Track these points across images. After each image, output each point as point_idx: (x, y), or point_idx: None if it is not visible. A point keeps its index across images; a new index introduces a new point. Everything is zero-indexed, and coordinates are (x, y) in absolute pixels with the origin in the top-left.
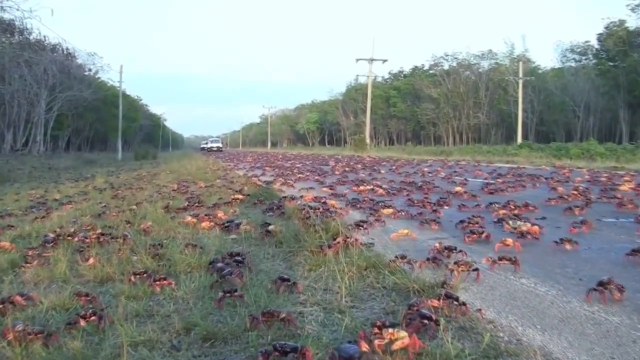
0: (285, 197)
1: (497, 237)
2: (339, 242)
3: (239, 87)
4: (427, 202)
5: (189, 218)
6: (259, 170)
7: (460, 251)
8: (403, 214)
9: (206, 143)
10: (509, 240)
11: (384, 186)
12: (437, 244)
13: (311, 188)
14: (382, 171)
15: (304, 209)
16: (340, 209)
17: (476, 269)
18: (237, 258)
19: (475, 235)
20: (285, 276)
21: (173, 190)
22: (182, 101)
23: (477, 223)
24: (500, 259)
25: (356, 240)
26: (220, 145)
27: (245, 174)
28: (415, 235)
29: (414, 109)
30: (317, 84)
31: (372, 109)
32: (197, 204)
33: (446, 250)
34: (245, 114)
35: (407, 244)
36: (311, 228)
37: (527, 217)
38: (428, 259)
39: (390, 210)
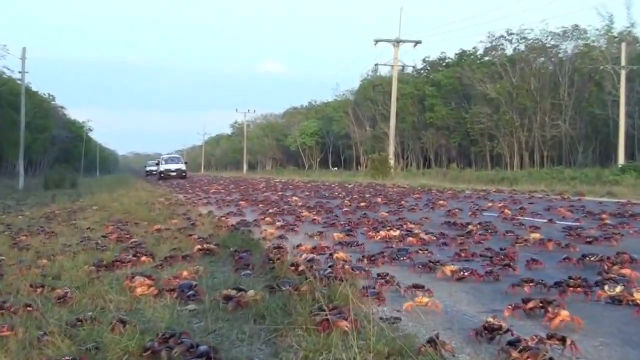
0: (271, 247)
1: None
2: (348, 316)
3: (200, 83)
4: (486, 254)
5: (128, 280)
6: (230, 207)
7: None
8: (464, 273)
9: (156, 164)
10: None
11: (417, 231)
12: (490, 319)
13: (312, 235)
14: (414, 207)
15: (297, 265)
16: (355, 268)
17: None
18: (185, 340)
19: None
20: None
21: (104, 236)
22: (116, 104)
23: (578, 286)
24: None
25: (373, 311)
26: (182, 167)
27: (210, 213)
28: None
29: (462, 114)
30: (317, 77)
31: (398, 113)
32: (140, 257)
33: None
34: (210, 122)
35: (443, 318)
36: (308, 294)
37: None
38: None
39: (450, 269)
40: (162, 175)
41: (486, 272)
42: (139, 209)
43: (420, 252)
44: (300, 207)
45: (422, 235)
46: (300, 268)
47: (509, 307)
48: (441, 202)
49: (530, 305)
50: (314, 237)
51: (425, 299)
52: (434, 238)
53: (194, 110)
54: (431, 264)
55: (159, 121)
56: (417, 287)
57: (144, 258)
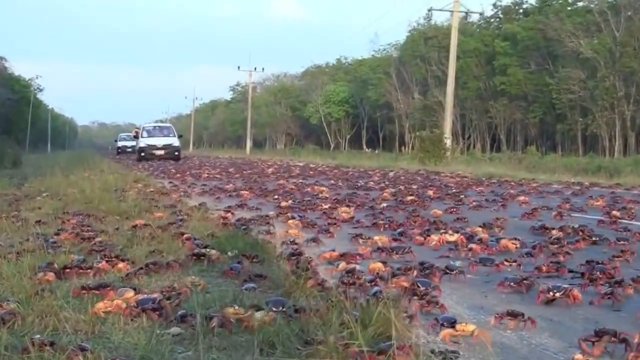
0: (283, 253)
1: None
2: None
3: (189, 29)
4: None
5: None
6: (231, 199)
7: None
8: (555, 293)
9: (132, 137)
10: None
11: (483, 235)
12: None
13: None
14: (479, 203)
15: (318, 279)
16: (396, 279)
17: None
18: None
19: None
20: None
21: (58, 232)
22: (75, 57)
23: None
24: None
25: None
26: (174, 142)
27: (202, 206)
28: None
29: (544, 79)
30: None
31: (458, 77)
32: (115, 262)
33: None
34: (203, 84)
35: (517, 354)
36: (332, 316)
37: None
38: None
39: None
40: (142, 154)
41: (605, 293)
42: (105, 198)
43: (506, 264)
44: (329, 200)
45: (509, 243)
46: (327, 282)
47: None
48: (521, 198)
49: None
50: (353, 241)
51: (470, 327)
52: (516, 245)
53: (180, 67)
54: (525, 282)
55: (133, 81)
56: (513, 315)
57: (121, 265)
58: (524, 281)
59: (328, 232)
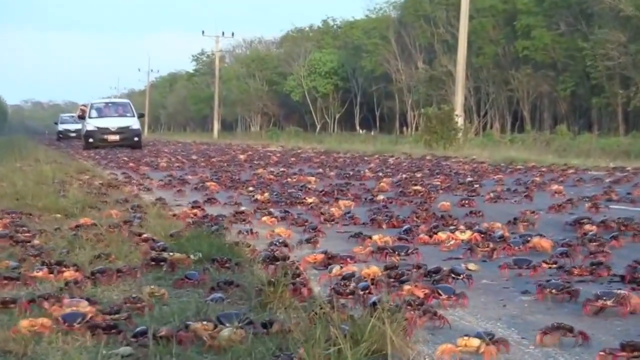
0: (258, 255)
1: None
2: None
3: None
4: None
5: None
6: (197, 192)
7: None
8: (606, 301)
9: (78, 118)
10: None
11: (504, 233)
12: None
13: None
14: (498, 194)
15: (301, 287)
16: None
17: None
18: None
19: None
20: None
21: None
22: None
23: None
24: None
25: None
26: (132, 124)
27: (161, 201)
28: None
29: (577, 42)
30: None
31: (471, 41)
32: (61, 271)
33: None
34: (160, 53)
35: None
36: (318, 332)
37: None
38: None
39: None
40: (91, 140)
41: None
42: (41, 193)
43: (545, 266)
44: (315, 193)
45: (542, 241)
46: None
47: None
48: (554, 187)
49: None
50: (349, 241)
51: (475, 342)
52: (551, 244)
53: (132, 33)
54: (568, 288)
55: (75, 51)
56: (560, 329)
57: (68, 273)
58: (566, 287)
59: (316, 230)
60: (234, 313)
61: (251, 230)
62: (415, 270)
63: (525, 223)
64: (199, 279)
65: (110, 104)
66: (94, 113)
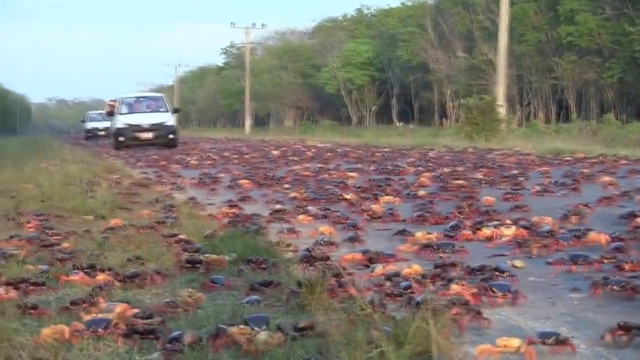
0: (295, 255)
1: None
2: None
3: None
4: None
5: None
6: (229, 191)
7: None
8: None
9: (106, 115)
10: None
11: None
12: None
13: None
14: (544, 187)
15: (341, 288)
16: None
17: None
18: None
19: None
20: None
21: (12, 237)
22: (26, 16)
23: None
24: None
25: None
26: (167, 120)
27: (193, 200)
28: None
29: (624, 27)
30: None
31: (513, 28)
32: (95, 273)
33: None
34: (189, 46)
35: None
36: (358, 332)
37: None
38: None
39: None
40: (121, 138)
41: None
42: (68, 194)
43: (605, 261)
44: (352, 189)
45: (599, 235)
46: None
47: None
48: (606, 179)
49: None
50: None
51: (515, 342)
52: (606, 238)
53: (159, 26)
54: (631, 284)
55: (99, 46)
56: (627, 328)
57: (101, 276)
58: (628, 284)
59: (358, 228)
60: (263, 316)
61: (292, 228)
62: (459, 268)
63: (577, 216)
64: (225, 283)
65: (141, 99)
66: (124, 109)
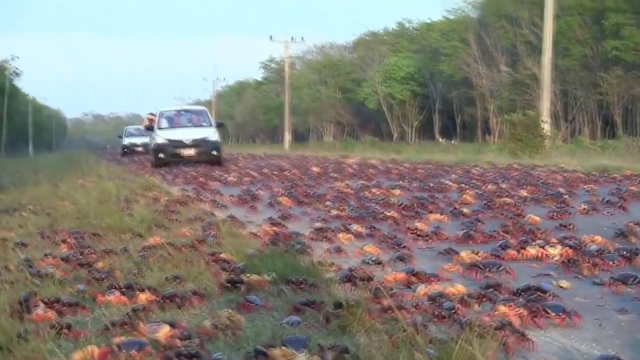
0: (337, 275)
1: None
2: None
3: None
4: None
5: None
6: (269, 209)
7: None
8: None
9: (145, 129)
10: None
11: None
12: None
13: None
14: (592, 205)
15: (382, 308)
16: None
17: None
18: None
19: None
20: None
21: (46, 255)
22: (61, 29)
23: None
24: None
25: None
26: (210, 136)
27: (233, 218)
28: None
29: None
30: None
31: (557, 42)
32: (137, 293)
33: None
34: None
35: None
36: (400, 354)
37: None
38: None
39: None
40: (162, 155)
41: None
42: (105, 212)
43: None
44: (396, 206)
45: None
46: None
47: None
48: None
49: None
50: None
51: None
52: None
53: (196, 40)
54: None
55: (136, 60)
56: None
57: (142, 296)
58: None
59: (403, 247)
60: (302, 338)
61: (338, 247)
62: (503, 289)
63: (633, 236)
64: (261, 303)
65: (182, 112)
66: (164, 123)
